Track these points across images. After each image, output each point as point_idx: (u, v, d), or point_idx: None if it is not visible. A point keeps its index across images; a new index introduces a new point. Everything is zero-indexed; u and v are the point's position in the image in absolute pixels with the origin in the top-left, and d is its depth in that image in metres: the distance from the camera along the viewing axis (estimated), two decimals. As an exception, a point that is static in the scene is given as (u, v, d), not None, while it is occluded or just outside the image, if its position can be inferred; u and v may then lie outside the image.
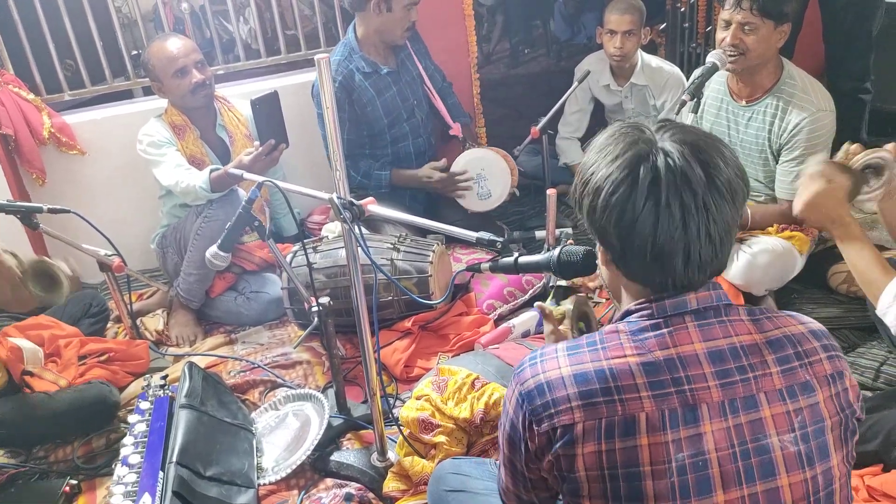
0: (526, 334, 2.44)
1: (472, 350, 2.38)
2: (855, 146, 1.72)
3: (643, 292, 1.06)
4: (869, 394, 2.03)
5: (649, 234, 0.98)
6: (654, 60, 3.10)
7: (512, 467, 1.12)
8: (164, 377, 2.23)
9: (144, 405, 2.11)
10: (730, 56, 2.29)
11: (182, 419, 1.93)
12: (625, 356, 0.99)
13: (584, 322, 1.46)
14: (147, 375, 2.32)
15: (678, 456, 0.95)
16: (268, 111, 2.28)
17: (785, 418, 0.98)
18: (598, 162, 1.03)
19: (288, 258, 2.53)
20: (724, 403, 0.97)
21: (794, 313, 1.08)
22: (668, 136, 1.01)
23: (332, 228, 2.74)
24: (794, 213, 1.72)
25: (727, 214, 0.99)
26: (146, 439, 1.98)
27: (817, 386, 1.00)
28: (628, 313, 1.05)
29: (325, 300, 2.01)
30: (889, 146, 1.70)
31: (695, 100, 2.29)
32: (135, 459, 1.91)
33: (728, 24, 2.27)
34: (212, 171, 2.47)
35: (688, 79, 3.20)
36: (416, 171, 2.93)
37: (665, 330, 1.00)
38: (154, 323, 2.73)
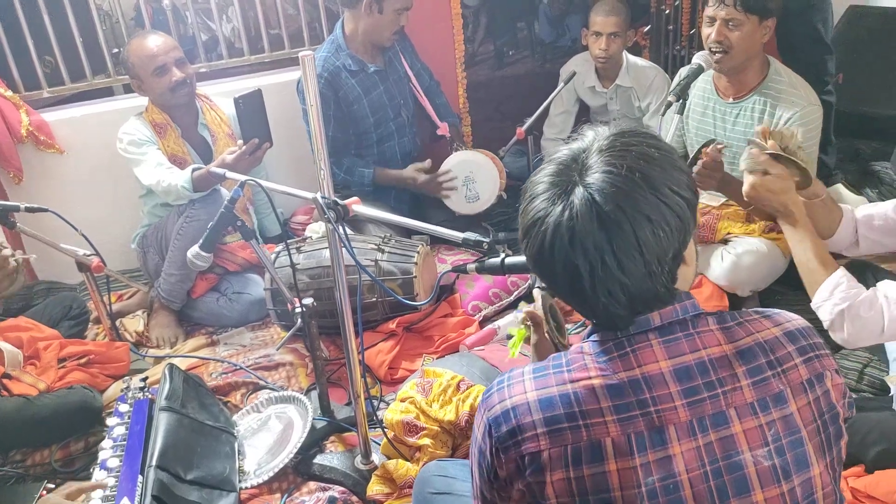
0: (511, 336, 2.43)
1: (457, 352, 2.36)
2: (762, 128, 1.73)
3: None
4: (854, 395, 2.04)
5: (564, 281, 0.97)
6: (639, 62, 3.10)
7: (483, 498, 1.08)
8: (144, 379, 2.19)
9: (124, 408, 2.07)
10: (715, 54, 2.29)
11: (162, 422, 1.90)
12: (589, 378, 0.97)
13: (554, 318, 1.45)
14: (127, 378, 2.28)
15: (648, 480, 0.93)
16: (251, 109, 2.25)
17: (757, 432, 0.95)
18: (529, 190, 1.00)
19: (271, 258, 2.50)
20: (692, 422, 0.95)
21: (774, 313, 1.05)
22: (594, 174, 0.94)
23: (316, 229, 2.72)
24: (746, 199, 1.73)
25: (635, 267, 0.93)
26: (125, 442, 1.94)
27: (791, 396, 0.97)
28: (593, 332, 1.03)
29: (308, 301, 1.99)
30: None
31: (680, 101, 2.29)
32: (113, 463, 1.88)
33: (713, 20, 2.27)
34: (194, 170, 2.44)
35: (672, 80, 3.22)
36: (400, 172, 2.91)
37: (628, 349, 0.98)
38: (134, 324, 2.69)
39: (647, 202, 0.93)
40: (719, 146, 2.17)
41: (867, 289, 1.57)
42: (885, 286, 1.51)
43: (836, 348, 2.19)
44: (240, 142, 2.38)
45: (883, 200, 3.06)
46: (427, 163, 2.90)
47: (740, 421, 0.95)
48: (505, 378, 1.04)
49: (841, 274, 1.56)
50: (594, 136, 1.00)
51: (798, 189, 1.70)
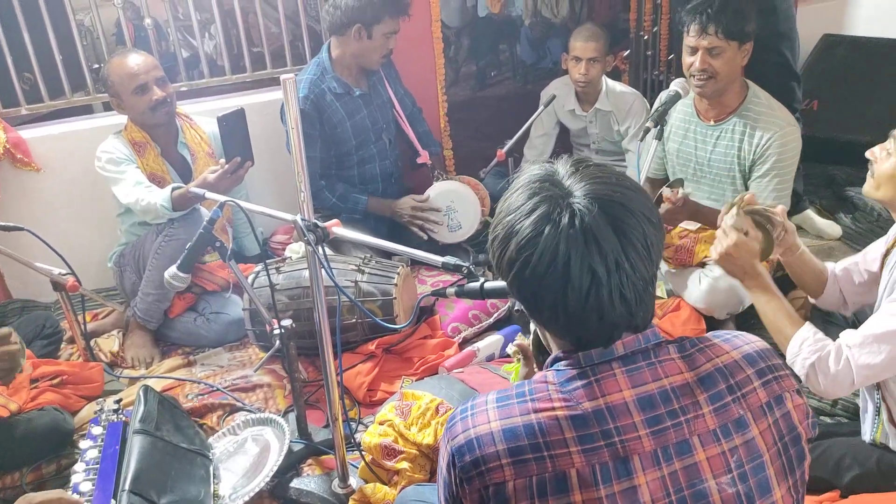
0: (490, 358, 2.43)
1: (437, 373, 2.36)
2: (749, 196, 1.79)
3: (566, 343, 1.03)
4: (828, 419, 2.06)
5: (558, 297, 0.96)
6: (619, 86, 3.14)
7: None
8: (119, 401, 2.16)
9: (97, 430, 2.03)
10: (699, 80, 2.33)
11: (136, 445, 1.86)
12: (553, 409, 0.96)
13: (543, 354, 1.45)
14: (100, 399, 2.25)
15: None
16: (234, 128, 2.25)
17: (721, 459, 0.96)
18: (507, 214, 0.99)
19: (250, 279, 2.49)
20: (656, 452, 0.95)
21: (734, 335, 1.06)
22: (580, 188, 0.96)
23: (296, 249, 2.70)
24: (713, 261, 1.78)
25: (643, 271, 0.96)
26: (98, 466, 1.91)
27: (751, 420, 0.98)
28: (556, 360, 1.03)
29: (287, 323, 1.97)
30: (779, 208, 1.78)
31: (658, 127, 2.32)
32: (86, 487, 1.84)
33: (694, 49, 2.31)
34: (174, 189, 2.42)
35: (651, 105, 3.27)
36: (393, 201, 2.92)
37: (592, 379, 0.98)
38: (109, 344, 2.65)
39: (643, 203, 0.96)
40: (682, 193, 2.24)
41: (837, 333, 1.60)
42: (846, 336, 1.55)
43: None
44: (222, 160, 2.37)
45: (857, 226, 3.13)
46: (426, 195, 2.91)
47: (703, 448, 0.96)
48: (468, 406, 1.02)
49: (807, 328, 1.60)
50: (553, 167, 1.01)
51: (765, 253, 1.76)
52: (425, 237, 2.89)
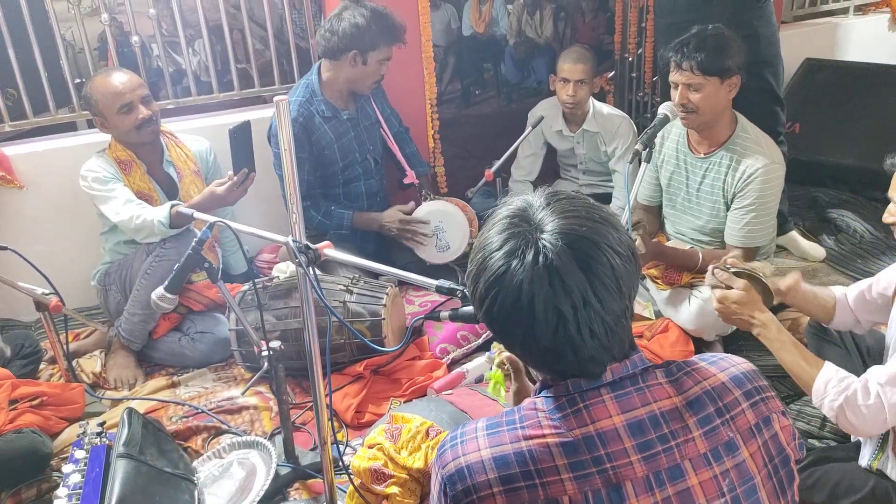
0: (479, 379, 2.41)
1: (425, 395, 2.34)
2: (732, 261, 1.87)
3: (546, 377, 1.03)
4: (816, 442, 2.06)
5: (527, 334, 0.96)
6: (606, 108, 3.17)
7: None
8: (102, 424, 2.11)
9: (79, 454, 1.99)
10: (681, 114, 2.37)
11: (119, 469, 1.82)
12: (543, 436, 0.96)
13: (529, 376, 1.44)
14: (83, 422, 2.19)
15: None
16: (242, 140, 2.25)
17: (713, 483, 0.95)
18: (479, 250, 1.00)
19: (237, 298, 2.46)
20: (648, 477, 0.94)
21: (719, 358, 1.06)
22: (550, 223, 0.96)
23: (283, 268, 2.68)
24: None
25: (613, 305, 0.95)
26: (80, 491, 1.86)
27: (741, 442, 0.98)
28: (545, 387, 1.02)
29: (275, 344, 1.95)
30: (757, 265, 1.89)
31: (647, 149, 2.34)
32: (67, 513, 1.80)
33: (676, 84, 2.35)
34: (173, 205, 2.40)
35: (639, 127, 3.31)
36: (379, 214, 2.91)
37: (581, 405, 0.97)
38: (91, 364, 2.60)
39: (613, 236, 0.96)
40: (636, 237, 2.30)
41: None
42: (874, 373, 1.55)
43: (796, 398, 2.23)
44: (230, 172, 2.36)
45: (840, 248, 3.16)
46: (410, 205, 2.90)
47: (696, 473, 0.96)
48: (458, 434, 1.02)
49: (829, 369, 1.61)
50: (528, 199, 1.01)
51: (766, 303, 1.80)
52: (422, 245, 2.87)
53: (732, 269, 1.83)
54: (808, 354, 1.68)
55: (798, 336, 1.97)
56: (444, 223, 2.89)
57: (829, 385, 1.57)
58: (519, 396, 1.41)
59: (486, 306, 0.98)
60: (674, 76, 2.35)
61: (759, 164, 2.35)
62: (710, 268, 1.86)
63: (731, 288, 1.79)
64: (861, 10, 4.52)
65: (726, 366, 1.04)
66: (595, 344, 0.95)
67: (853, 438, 1.76)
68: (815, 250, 3.10)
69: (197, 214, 2.08)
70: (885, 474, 1.64)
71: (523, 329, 0.96)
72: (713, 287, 1.84)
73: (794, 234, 3.15)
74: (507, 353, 1.44)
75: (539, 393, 1.02)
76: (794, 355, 1.67)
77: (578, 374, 0.98)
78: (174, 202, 2.43)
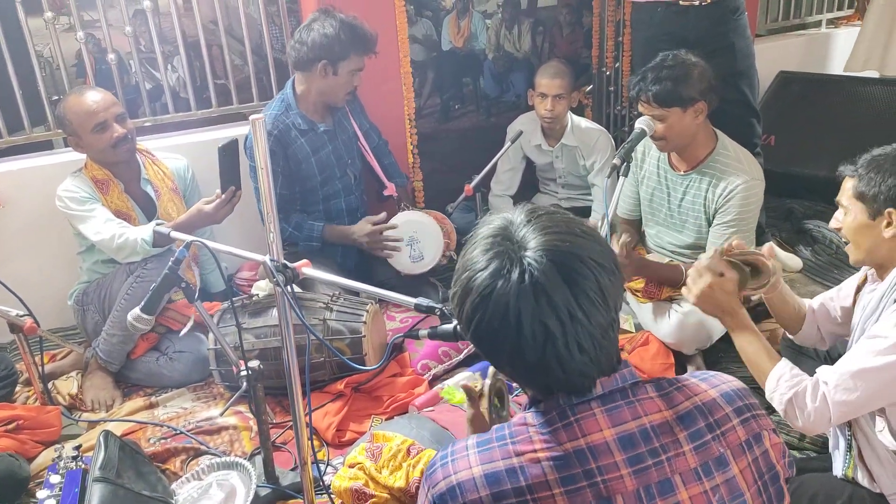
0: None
1: (407, 412, 2.32)
2: (737, 242, 1.83)
3: (535, 393, 1.03)
4: (797, 454, 2.07)
5: (515, 351, 0.96)
6: (584, 122, 3.19)
7: None
8: (78, 447, 2.08)
9: (55, 479, 1.95)
10: (653, 141, 2.41)
11: (96, 494, 1.80)
12: (535, 451, 0.96)
13: (499, 398, 1.43)
14: (58, 445, 2.16)
15: None
16: (230, 158, 2.25)
17: (703, 498, 0.96)
18: (464, 271, 1.00)
19: (216, 318, 2.44)
20: (639, 491, 0.94)
21: (710, 375, 1.07)
22: (532, 240, 0.96)
23: (263, 286, 2.66)
24: (690, 302, 1.80)
25: (599, 318, 0.96)
26: (56, 516, 1.84)
27: (732, 458, 0.98)
28: (535, 402, 1.02)
29: (254, 364, 1.93)
30: (765, 248, 1.84)
31: (624, 164, 2.35)
32: (43, 539, 1.77)
33: (641, 113, 2.39)
34: (157, 224, 2.38)
35: (617, 141, 3.33)
36: (349, 227, 2.89)
37: (572, 419, 0.98)
38: (67, 386, 2.56)
39: (596, 250, 0.97)
40: (622, 242, 2.32)
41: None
42: (823, 373, 1.57)
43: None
44: (217, 191, 2.35)
45: (817, 258, 3.20)
46: (382, 215, 2.89)
47: (686, 487, 0.96)
48: (448, 452, 1.02)
49: (783, 364, 1.63)
50: (509, 217, 1.02)
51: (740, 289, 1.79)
52: (396, 251, 2.85)
53: (737, 253, 1.78)
54: (769, 350, 1.69)
55: (775, 347, 1.98)
56: (418, 233, 2.88)
57: (782, 380, 1.59)
58: (473, 424, 1.39)
59: (473, 326, 0.99)
60: (639, 107, 2.40)
61: (739, 180, 2.38)
62: (715, 249, 1.82)
63: (718, 273, 1.74)
64: (833, 23, 4.61)
65: (717, 383, 1.05)
66: (584, 358, 0.96)
67: (831, 449, 1.77)
68: (792, 261, 3.13)
69: (175, 234, 2.06)
70: (858, 483, 1.65)
71: (511, 346, 0.96)
72: (709, 268, 1.75)
73: (772, 244, 3.18)
74: (466, 383, 1.42)
75: (529, 408, 1.02)
76: (757, 349, 1.68)
77: (567, 390, 0.99)
78: (158, 221, 2.41)
